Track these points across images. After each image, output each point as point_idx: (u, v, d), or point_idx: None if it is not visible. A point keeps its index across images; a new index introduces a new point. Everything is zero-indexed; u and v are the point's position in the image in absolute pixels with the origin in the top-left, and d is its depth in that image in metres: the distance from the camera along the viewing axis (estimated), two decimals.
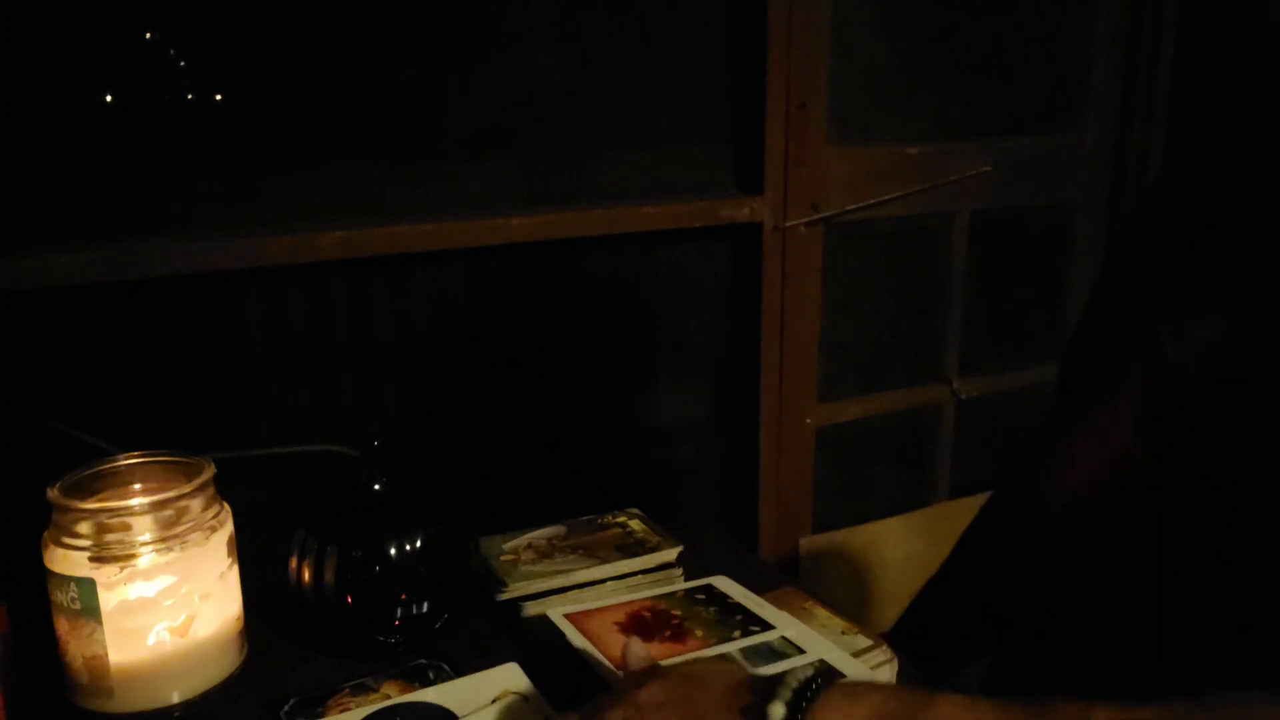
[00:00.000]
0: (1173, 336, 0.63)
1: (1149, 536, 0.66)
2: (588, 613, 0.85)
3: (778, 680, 0.56)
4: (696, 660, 0.73)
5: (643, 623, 0.83)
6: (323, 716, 0.76)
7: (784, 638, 0.80)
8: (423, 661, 0.84)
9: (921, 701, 0.53)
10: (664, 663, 0.69)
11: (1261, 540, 0.58)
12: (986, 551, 0.93)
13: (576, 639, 0.80)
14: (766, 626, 0.82)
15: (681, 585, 0.92)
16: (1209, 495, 0.61)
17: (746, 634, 0.81)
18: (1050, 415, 0.81)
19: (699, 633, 0.81)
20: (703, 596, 0.88)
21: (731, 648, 0.79)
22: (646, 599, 0.88)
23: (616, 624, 0.83)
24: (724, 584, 0.91)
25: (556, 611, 0.85)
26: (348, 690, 0.79)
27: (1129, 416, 0.67)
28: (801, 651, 0.78)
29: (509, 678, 0.78)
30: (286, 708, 0.78)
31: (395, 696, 0.77)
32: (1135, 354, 0.67)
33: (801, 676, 0.56)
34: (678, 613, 0.85)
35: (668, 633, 0.81)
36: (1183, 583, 0.64)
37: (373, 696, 0.78)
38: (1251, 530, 0.59)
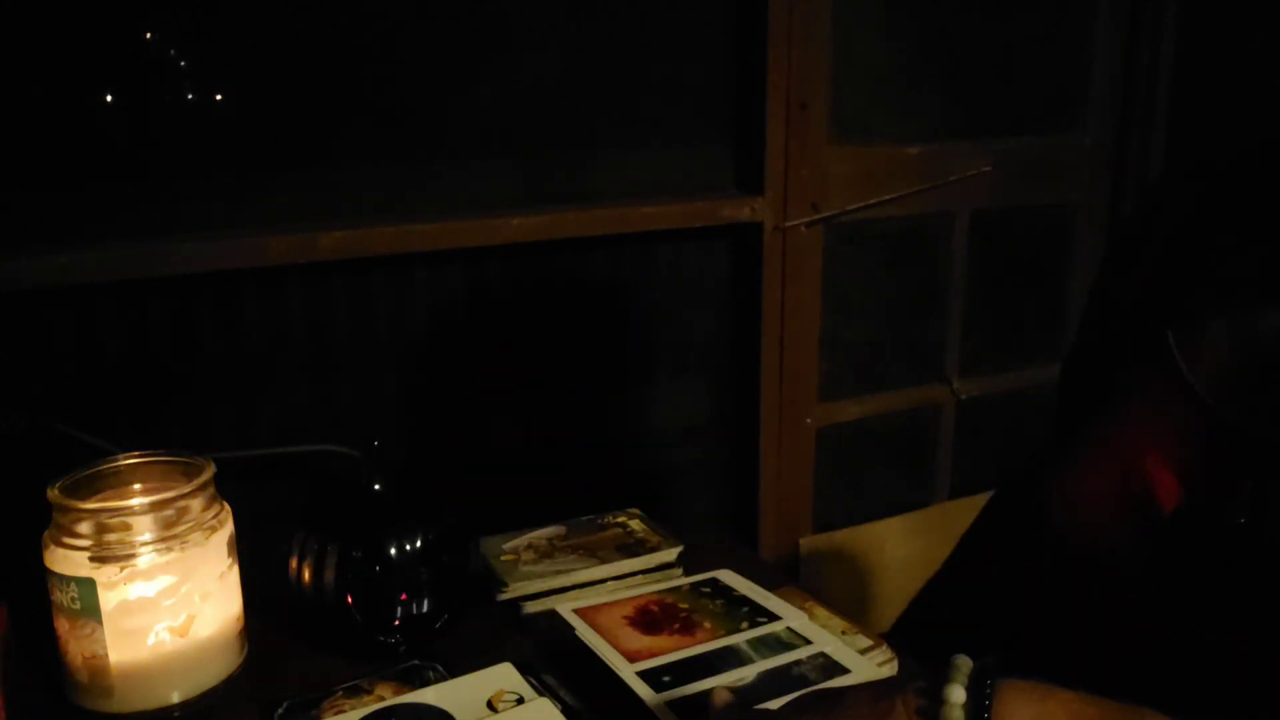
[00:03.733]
0: (1185, 348, 0.59)
1: (1171, 564, 0.62)
2: (596, 608, 0.85)
3: (941, 670, 0.51)
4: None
5: (651, 616, 0.83)
6: None
7: (790, 629, 0.81)
8: (417, 662, 0.83)
9: (1124, 717, 0.47)
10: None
11: None
12: (988, 561, 0.92)
13: (587, 633, 0.80)
14: (773, 617, 0.83)
15: (687, 579, 0.92)
16: (1233, 523, 0.57)
17: (754, 625, 0.82)
18: (1053, 429, 0.78)
19: (707, 625, 0.82)
20: (708, 589, 0.89)
21: (740, 639, 0.79)
22: (654, 593, 0.88)
23: (625, 618, 0.83)
24: (729, 577, 0.91)
25: (565, 607, 0.85)
26: (341, 693, 0.79)
27: (1141, 433, 0.63)
28: (808, 643, 0.79)
29: (503, 678, 0.78)
30: (280, 711, 0.77)
31: (389, 698, 0.77)
32: (1145, 365, 0.63)
33: (969, 664, 0.50)
34: (685, 606, 0.85)
35: (676, 625, 0.82)
36: (1209, 616, 0.60)
37: (367, 699, 0.78)
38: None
